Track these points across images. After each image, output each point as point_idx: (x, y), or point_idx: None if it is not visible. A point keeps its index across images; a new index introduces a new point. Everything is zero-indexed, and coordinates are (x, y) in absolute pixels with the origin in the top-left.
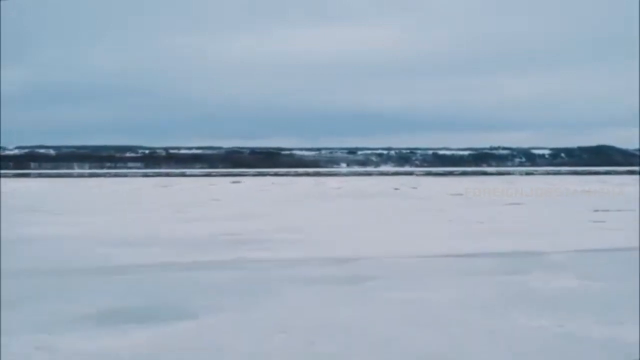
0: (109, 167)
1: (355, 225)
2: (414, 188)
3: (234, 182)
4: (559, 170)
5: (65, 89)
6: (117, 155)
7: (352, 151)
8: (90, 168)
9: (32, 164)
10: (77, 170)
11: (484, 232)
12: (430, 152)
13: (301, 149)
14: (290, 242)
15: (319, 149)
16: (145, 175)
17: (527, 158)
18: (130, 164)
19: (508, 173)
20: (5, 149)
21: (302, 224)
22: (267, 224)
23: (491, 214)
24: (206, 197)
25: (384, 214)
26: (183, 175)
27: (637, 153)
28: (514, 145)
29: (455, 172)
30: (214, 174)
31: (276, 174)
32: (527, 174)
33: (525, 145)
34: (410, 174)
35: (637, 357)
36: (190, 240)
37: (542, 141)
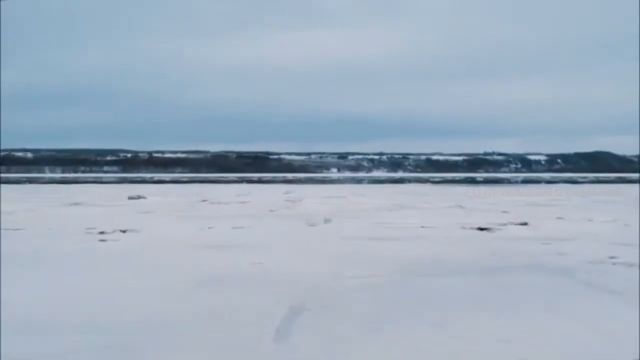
0: (83, 171)
1: None
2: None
3: (132, 197)
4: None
5: (50, 91)
6: (94, 158)
7: (342, 156)
8: (63, 172)
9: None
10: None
11: None
12: (424, 157)
13: (290, 154)
14: None
15: (308, 154)
16: (97, 181)
17: (523, 164)
18: (106, 168)
19: (538, 180)
20: None
21: None
22: None
23: None
24: None
25: None
26: (141, 181)
27: (635, 159)
28: (508, 151)
29: (478, 179)
30: (184, 179)
31: (260, 180)
32: (572, 181)
33: (519, 151)
34: (425, 181)
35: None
36: None
37: (535, 147)
